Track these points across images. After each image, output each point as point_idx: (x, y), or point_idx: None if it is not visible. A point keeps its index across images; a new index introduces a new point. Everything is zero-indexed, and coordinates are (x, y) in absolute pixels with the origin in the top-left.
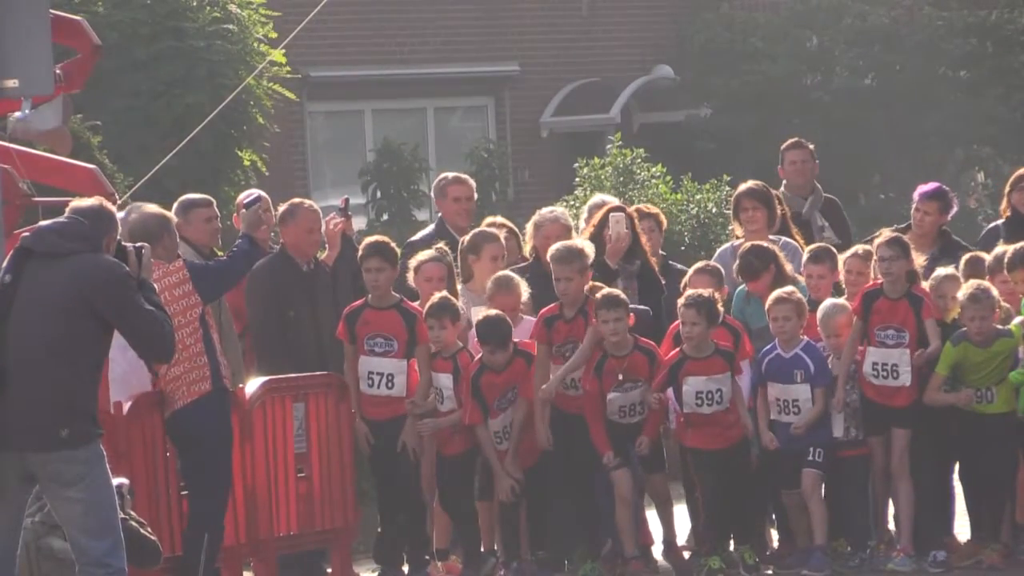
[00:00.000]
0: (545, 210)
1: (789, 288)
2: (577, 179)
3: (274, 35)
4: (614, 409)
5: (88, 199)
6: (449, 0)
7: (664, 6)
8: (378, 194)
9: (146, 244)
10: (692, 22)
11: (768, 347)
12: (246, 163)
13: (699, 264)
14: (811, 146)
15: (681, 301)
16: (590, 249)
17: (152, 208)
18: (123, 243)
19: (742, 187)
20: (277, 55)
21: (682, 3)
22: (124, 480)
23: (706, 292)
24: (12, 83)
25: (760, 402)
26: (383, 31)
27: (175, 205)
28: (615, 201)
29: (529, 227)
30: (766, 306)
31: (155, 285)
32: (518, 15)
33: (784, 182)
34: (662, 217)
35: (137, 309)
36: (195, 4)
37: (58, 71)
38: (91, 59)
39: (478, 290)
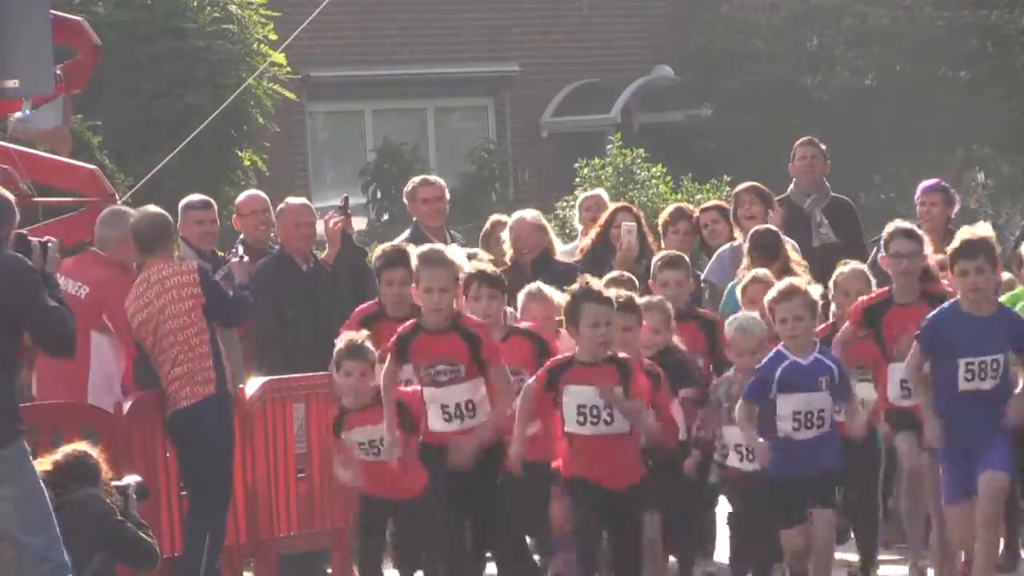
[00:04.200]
0: (519, 212)
1: (796, 280)
2: (577, 179)
3: (274, 36)
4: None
5: None
6: (449, 0)
7: (664, 6)
8: (378, 194)
9: (53, 239)
10: (692, 22)
11: (773, 355)
12: (246, 163)
13: (663, 254)
14: (823, 146)
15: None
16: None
17: (153, 210)
18: (28, 236)
19: (741, 185)
20: (278, 57)
21: (682, 3)
22: (133, 480)
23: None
24: (12, 83)
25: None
26: (383, 31)
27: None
28: (605, 196)
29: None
30: (766, 301)
31: (163, 282)
32: (518, 15)
33: (794, 179)
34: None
35: (41, 305)
36: (195, 4)
37: (58, 71)
38: (91, 59)
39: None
